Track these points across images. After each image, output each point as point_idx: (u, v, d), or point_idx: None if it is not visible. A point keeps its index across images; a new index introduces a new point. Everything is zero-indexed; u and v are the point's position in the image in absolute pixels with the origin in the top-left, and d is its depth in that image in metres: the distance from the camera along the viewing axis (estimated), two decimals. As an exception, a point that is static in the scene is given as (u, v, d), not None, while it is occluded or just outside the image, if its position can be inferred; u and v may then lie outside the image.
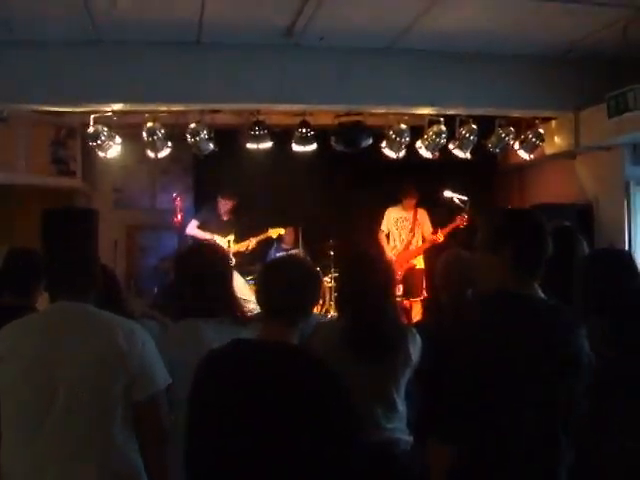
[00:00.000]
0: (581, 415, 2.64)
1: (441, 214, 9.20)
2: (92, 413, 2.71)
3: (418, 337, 3.50)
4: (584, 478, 2.83)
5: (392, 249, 9.24)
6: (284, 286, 2.58)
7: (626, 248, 7.44)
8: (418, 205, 9.28)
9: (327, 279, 9.33)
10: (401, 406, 3.45)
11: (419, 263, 9.26)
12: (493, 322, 2.58)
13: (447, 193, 8.92)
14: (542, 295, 2.66)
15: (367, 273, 3.54)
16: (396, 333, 3.46)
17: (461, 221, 8.84)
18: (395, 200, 9.34)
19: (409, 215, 9.29)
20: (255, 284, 2.71)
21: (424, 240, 9.27)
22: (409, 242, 9.25)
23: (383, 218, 9.38)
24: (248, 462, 2.39)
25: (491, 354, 2.50)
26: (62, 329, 2.79)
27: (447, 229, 8.94)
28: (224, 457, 2.44)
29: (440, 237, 8.95)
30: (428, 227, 9.29)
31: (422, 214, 9.33)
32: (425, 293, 9.06)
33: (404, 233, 9.29)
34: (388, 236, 9.38)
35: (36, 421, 2.70)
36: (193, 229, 9.17)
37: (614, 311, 3.37)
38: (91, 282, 2.96)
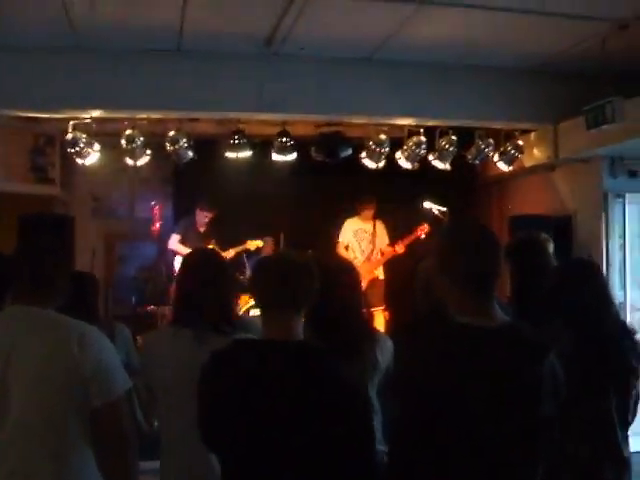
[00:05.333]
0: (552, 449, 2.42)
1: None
2: (43, 419, 2.64)
3: (389, 342, 3.45)
4: None
5: (353, 260, 9.13)
6: (295, 278, 2.58)
7: (604, 259, 7.53)
8: (376, 216, 9.36)
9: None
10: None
11: (380, 274, 9.35)
12: (431, 356, 2.38)
13: (427, 204, 8.93)
14: (498, 316, 2.43)
15: (328, 285, 3.53)
16: (360, 339, 3.44)
17: (421, 231, 8.99)
18: (353, 211, 9.41)
19: (368, 226, 9.38)
20: (251, 280, 2.71)
21: (381, 253, 9.33)
22: (370, 253, 9.31)
23: (340, 230, 9.45)
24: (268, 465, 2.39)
25: (429, 391, 2.31)
26: (15, 331, 2.74)
27: (407, 240, 9.08)
28: (246, 460, 2.44)
29: (400, 249, 9.08)
30: (384, 240, 9.38)
31: (380, 226, 9.41)
32: (385, 303, 9.11)
33: (364, 244, 9.37)
34: (347, 248, 9.43)
35: None
36: (175, 244, 9.13)
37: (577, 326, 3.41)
38: (54, 288, 2.90)
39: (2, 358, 2.66)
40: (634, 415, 3.52)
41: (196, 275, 3.50)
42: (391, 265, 9.24)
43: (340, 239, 9.43)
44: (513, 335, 2.40)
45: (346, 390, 2.46)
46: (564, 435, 2.75)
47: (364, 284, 8.77)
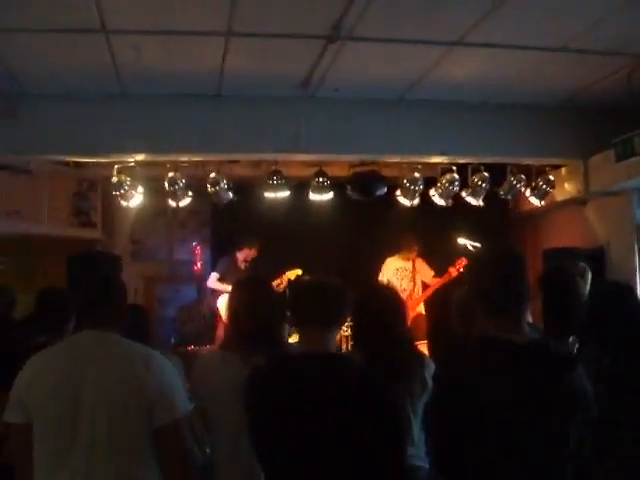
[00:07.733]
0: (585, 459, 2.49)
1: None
2: (112, 441, 2.78)
3: (432, 364, 3.61)
4: None
5: None
6: (329, 298, 2.84)
7: (638, 289, 7.55)
8: (417, 255, 9.40)
9: (343, 327, 9.39)
10: (418, 433, 3.54)
11: (422, 309, 9.36)
12: (467, 370, 2.55)
13: (461, 240, 9.05)
14: (528, 335, 2.58)
15: (379, 310, 3.70)
16: (411, 362, 3.61)
17: (459, 265, 8.82)
18: (394, 250, 9.48)
19: (408, 265, 9.42)
20: (289, 301, 2.99)
21: (425, 286, 9.35)
22: (411, 291, 9.32)
23: (381, 268, 9.51)
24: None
25: (463, 404, 2.48)
26: (86, 354, 2.90)
27: (449, 274, 8.96)
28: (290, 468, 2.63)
29: (454, 272, 8.87)
30: (428, 273, 9.37)
31: (420, 263, 9.44)
32: (427, 337, 9.04)
33: (405, 283, 9.36)
34: None
35: (62, 448, 2.78)
36: (214, 282, 9.27)
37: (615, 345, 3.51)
38: (115, 313, 3.07)
39: (76, 381, 2.82)
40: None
41: (244, 299, 3.65)
42: (431, 300, 9.25)
43: (381, 277, 9.41)
44: (540, 349, 2.56)
45: (375, 395, 2.64)
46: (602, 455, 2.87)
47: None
